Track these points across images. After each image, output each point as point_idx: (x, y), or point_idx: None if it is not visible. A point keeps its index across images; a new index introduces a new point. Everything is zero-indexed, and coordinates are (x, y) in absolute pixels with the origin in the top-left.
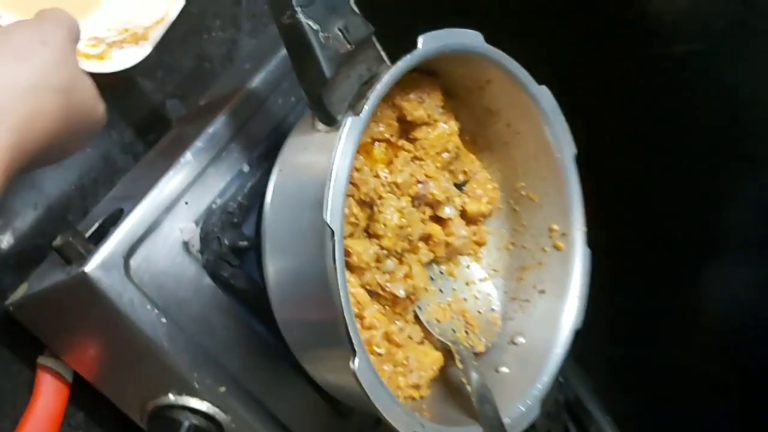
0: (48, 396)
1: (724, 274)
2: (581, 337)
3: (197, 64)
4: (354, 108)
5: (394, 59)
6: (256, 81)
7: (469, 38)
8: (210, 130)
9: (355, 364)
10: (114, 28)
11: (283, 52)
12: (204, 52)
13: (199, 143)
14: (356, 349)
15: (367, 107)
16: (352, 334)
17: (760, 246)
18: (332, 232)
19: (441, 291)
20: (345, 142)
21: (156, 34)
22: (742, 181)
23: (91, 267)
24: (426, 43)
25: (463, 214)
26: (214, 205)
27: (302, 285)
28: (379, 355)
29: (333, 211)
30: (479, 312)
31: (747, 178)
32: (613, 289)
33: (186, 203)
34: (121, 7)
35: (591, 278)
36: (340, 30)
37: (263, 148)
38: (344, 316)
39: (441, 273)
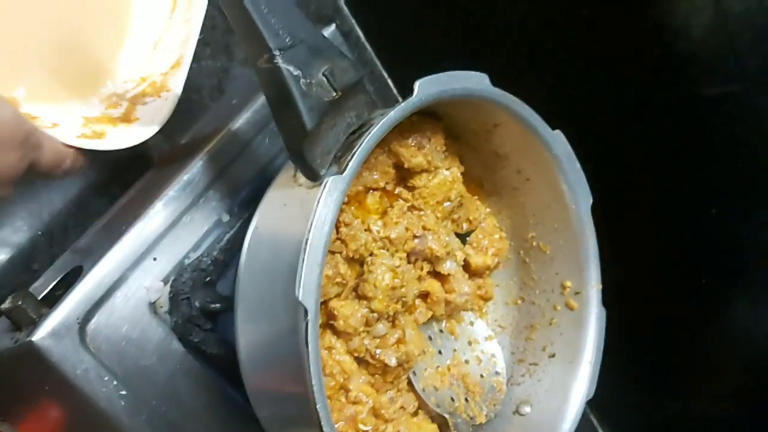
0: None
1: (754, 316)
2: (600, 385)
3: (184, 96)
4: (339, 161)
5: (403, 91)
6: (242, 120)
7: (474, 81)
8: (185, 177)
9: None
10: (131, 80)
11: None
12: (193, 83)
13: (172, 192)
14: None
15: (352, 164)
16: (325, 429)
17: None
18: (306, 311)
19: (440, 352)
20: (324, 205)
21: (176, 81)
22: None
23: (40, 335)
24: (423, 88)
25: (467, 267)
26: (186, 260)
27: (274, 362)
28: None
29: (306, 288)
30: (482, 376)
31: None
32: (632, 334)
33: (154, 259)
34: (133, 61)
35: (609, 320)
36: (324, 75)
37: (246, 193)
38: (317, 410)
39: (441, 331)
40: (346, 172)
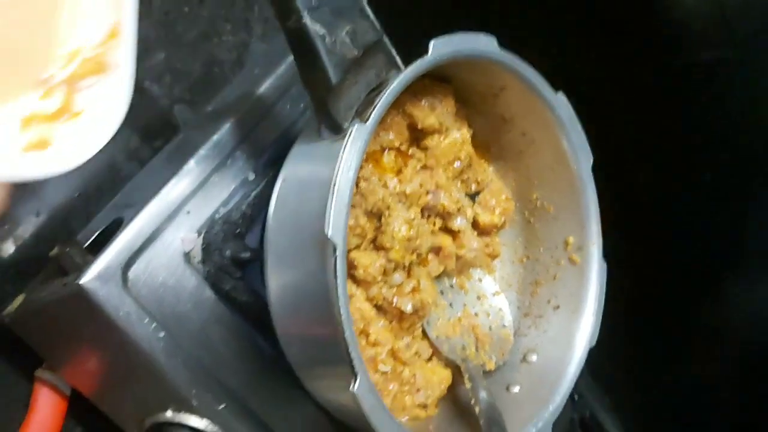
0: (45, 410)
1: (749, 288)
2: (598, 353)
3: (207, 69)
4: (361, 115)
5: (407, 62)
6: (265, 87)
7: (483, 43)
8: (215, 137)
9: (356, 386)
10: (59, 57)
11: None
12: (214, 57)
13: (203, 151)
14: (357, 370)
15: (374, 115)
16: (353, 355)
17: None
18: (334, 247)
19: (451, 306)
20: (349, 152)
21: (121, 56)
22: (762, 194)
23: (87, 279)
24: (437, 48)
25: (475, 225)
26: (217, 215)
27: (303, 301)
28: (384, 373)
29: (335, 226)
30: (490, 328)
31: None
32: (631, 303)
33: (188, 212)
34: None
35: (609, 292)
36: (347, 34)
37: (270, 155)
38: (345, 336)
39: (451, 287)
40: (369, 121)
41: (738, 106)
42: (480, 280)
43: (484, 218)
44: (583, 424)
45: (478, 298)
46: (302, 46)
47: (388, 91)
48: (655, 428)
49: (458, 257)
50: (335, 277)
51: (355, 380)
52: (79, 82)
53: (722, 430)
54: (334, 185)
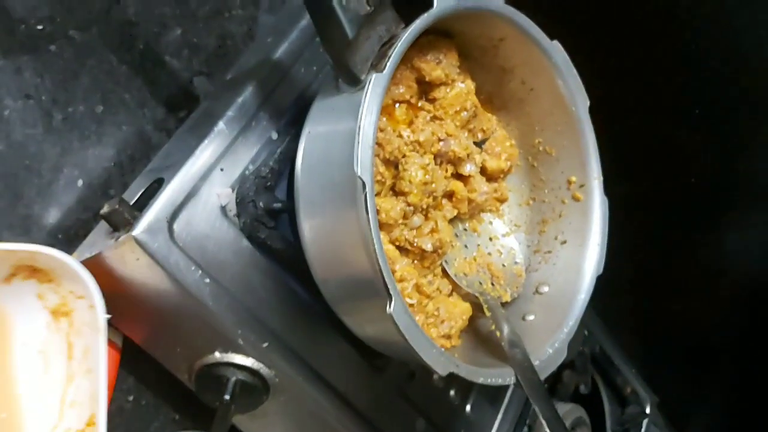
0: None
1: (745, 224)
2: (604, 292)
3: (220, 43)
4: (376, 67)
5: (408, 20)
6: (279, 52)
7: None
8: (239, 100)
9: (392, 307)
10: None
11: (303, 23)
12: (226, 31)
13: (230, 112)
14: (392, 293)
15: (389, 64)
16: (387, 279)
17: None
18: (363, 183)
19: (466, 247)
20: (370, 99)
21: None
22: (759, 129)
23: (138, 231)
24: (441, 1)
25: (484, 172)
26: (247, 171)
27: (337, 238)
28: (411, 306)
29: (363, 164)
30: (503, 265)
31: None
32: (634, 242)
33: (221, 170)
34: (43, 418)
35: (612, 231)
36: None
37: (289, 116)
38: (379, 263)
39: (465, 230)
40: (385, 70)
41: (719, 42)
42: (491, 223)
43: (492, 164)
44: (594, 357)
45: (490, 239)
46: (318, 4)
47: (401, 42)
48: (658, 360)
49: (470, 201)
50: (367, 211)
51: (391, 302)
52: None
53: (723, 360)
54: (360, 128)
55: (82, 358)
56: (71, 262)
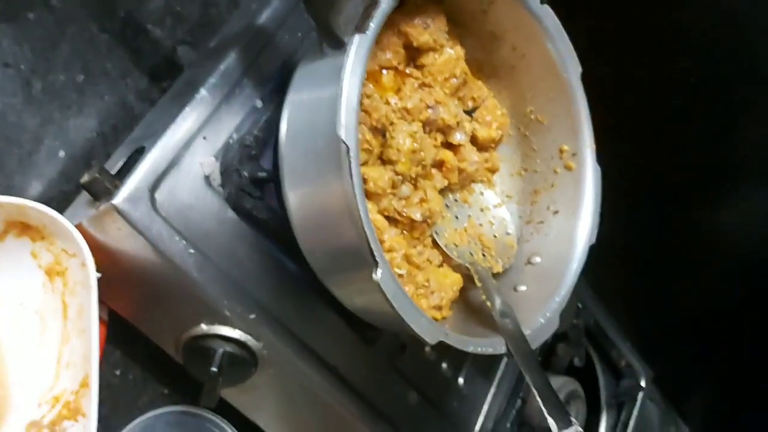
0: None
1: (740, 197)
2: (598, 266)
3: (204, 11)
4: (360, 28)
5: None
6: (263, 18)
7: None
8: (222, 66)
9: (378, 274)
10: (44, 401)
11: None
12: None
13: (212, 79)
14: (378, 259)
15: (372, 25)
16: (372, 245)
17: None
18: (347, 148)
19: (457, 218)
20: (354, 60)
21: (89, 405)
22: (756, 104)
23: (119, 200)
24: None
25: (474, 141)
26: (231, 140)
27: (323, 206)
28: (401, 276)
29: (347, 128)
30: (495, 236)
31: (759, 105)
32: (628, 213)
33: (204, 138)
34: (41, 379)
35: (605, 201)
36: None
37: (274, 83)
38: (364, 228)
39: (456, 201)
40: (369, 31)
41: (718, 13)
42: (482, 194)
43: (482, 133)
44: (588, 330)
45: (482, 210)
46: None
47: (384, 2)
48: (653, 334)
49: (460, 171)
50: (351, 176)
51: (377, 269)
52: (61, 423)
53: (718, 334)
54: (342, 90)
55: (77, 318)
56: (59, 217)
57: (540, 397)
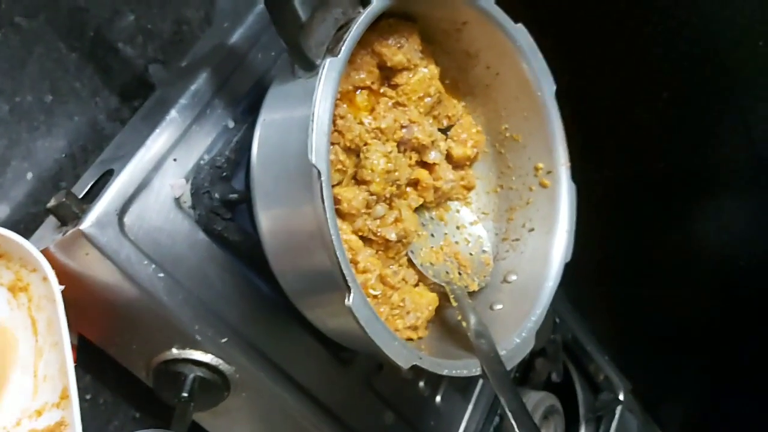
0: None
1: (715, 208)
2: (575, 280)
3: (176, 29)
4: (332, 51)
5: (365, 4)
6: (235, 37)
7: None
8: (193, 87)
9: (350, 299)
10: (26, 418)
11: (260, 7)
12: (182, 16)
13: (183, 100)
14: (350, 285)
15: (344, 48)
16: (345, 271)
17: (748, 180)
18: (318, 172)
19: (432, 236)
20: (325, 84)
21: (72, 416)
22: (728, 114)
23: (86, 225)
24: None
25: (449, 159)
26: (202, 161)
27: (294, 229)
28: (375, 297)
29: (318, 152)
30: (471, 254)
31: (733, 116)
32: (604, 229)
33: (174, 160)
34: (20, 395)
35: (581, 218)
36: None
37: (246, 103)
38: (336, 254)
39: (431, 218)
40: (341, 54)
41: (693, 28)
42: (458, 212)
43: (458, 151)
44: (566, 344)
45: (458, 227)
46: None
47: (356, 24)
48: (630, 347)
49: (436, 189)
50: (323, 200)
51: (350, 294)
52: None
53: (695, 346)
54: (314, 114)
55: (47, 333)
56: (7, 233)
57: (514, 419)
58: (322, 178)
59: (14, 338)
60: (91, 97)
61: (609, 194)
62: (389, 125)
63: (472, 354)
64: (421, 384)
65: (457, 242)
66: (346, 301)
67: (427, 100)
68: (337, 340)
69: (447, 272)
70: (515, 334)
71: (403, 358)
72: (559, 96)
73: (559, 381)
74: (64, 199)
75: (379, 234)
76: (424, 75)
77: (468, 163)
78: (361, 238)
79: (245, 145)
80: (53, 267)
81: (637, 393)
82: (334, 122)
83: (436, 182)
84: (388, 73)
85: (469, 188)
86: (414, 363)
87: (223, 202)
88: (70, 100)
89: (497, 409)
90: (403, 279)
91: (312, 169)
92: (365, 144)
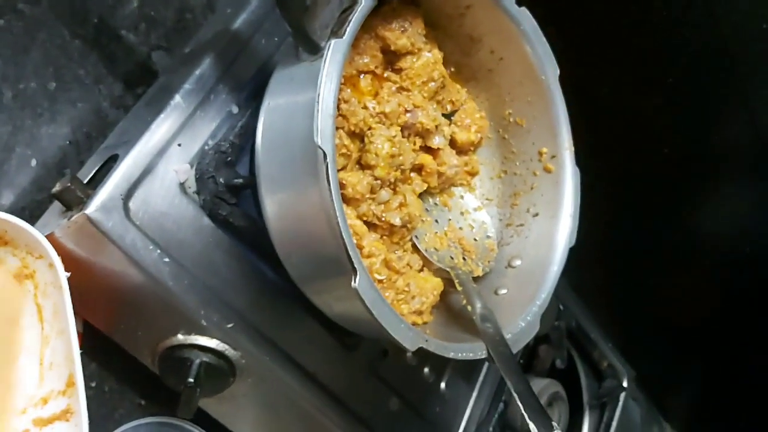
0: None
1: (721, 195)
2: (579, 266)
3: (179, 16)
4: (336, 33)
5: None
6: (238, 23)
7: None
8: (197, 72)
9: (357, 281)
10: (31, 406)
11: None
12: (185, 3)
13: (187, 86)
14: (356, 266)
15: (349, 30)
16: (351, 252)
17: (751, 168)
18: (324, 154)
19: (437, 221)
20: (330, 66)
21: (78, 404)
22: (732, 99)
23: (91, 209)
24: None
25: (453, 144)
26: (206, 146)
27: (300, 213)
28: (380, 282)
29: (323, 134)
30: (475, 239)
31: (737, 102)
32: (608, 214)
33: (179, 145)
34: (26, 382)
35: (585, 203)
36: None
37: (250, 88)
38: (342, 235)
39: (436, 204)
40: (345, 36)
41: (698, 17)
42: (462, 197)
43: (461, 136)
44: (569, 331)
45: (462, 213)
46: None
47: (361, 6)
48: (634, 334)
49: (440, 174)
50: (328, 182)
51: (356, 276)
52: (51, 424)
53: (699, 334)
54: (319, 96)
55: (53, 320)
56: (12, 219)
57: (521, 401)
58: (328, 160)
59: (20, 326)
60: (94, 83)
61: (612, 181)
62: (393, 109)
63: (477, 338)
64: (426, 370)
65: (461, 228)
66: (352, 283)
67: (431, 84)
68: (343, 325)
69: (451, 257)
70: (520, 318)
71: (409, 340)
72: (562, 82)
73: (563, 368)
74: (69, 184)
75: (383, 219)
76: (428, 59)
77: (472, 148)
78: (366, 223)
79: (249, 131)
80: (58, 253)
81: (640, 381)
82: (338, 106)
83: (440, 167)
84: (391, 58)
85: (473, 174)
86: (420, 345)
87: (228, 187)
88: (73, 87)
89: (502, 395)
90: (408, 264)
91: (317, 151)
92: (369, 128)
